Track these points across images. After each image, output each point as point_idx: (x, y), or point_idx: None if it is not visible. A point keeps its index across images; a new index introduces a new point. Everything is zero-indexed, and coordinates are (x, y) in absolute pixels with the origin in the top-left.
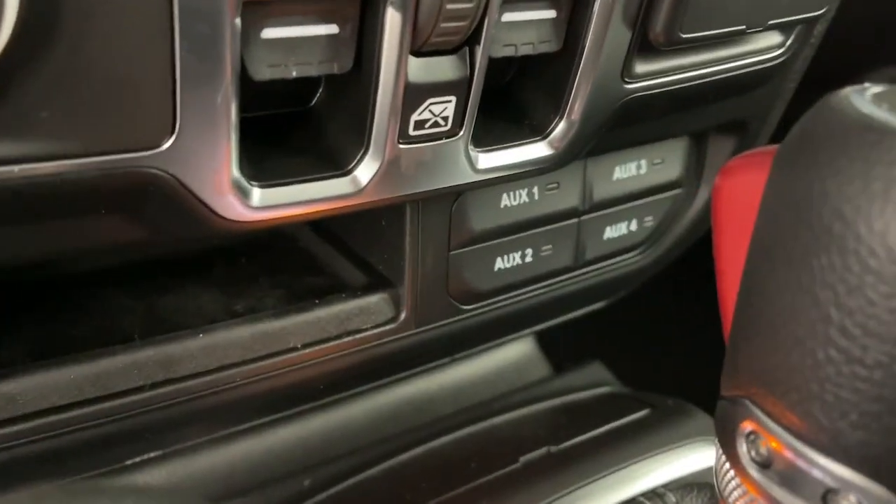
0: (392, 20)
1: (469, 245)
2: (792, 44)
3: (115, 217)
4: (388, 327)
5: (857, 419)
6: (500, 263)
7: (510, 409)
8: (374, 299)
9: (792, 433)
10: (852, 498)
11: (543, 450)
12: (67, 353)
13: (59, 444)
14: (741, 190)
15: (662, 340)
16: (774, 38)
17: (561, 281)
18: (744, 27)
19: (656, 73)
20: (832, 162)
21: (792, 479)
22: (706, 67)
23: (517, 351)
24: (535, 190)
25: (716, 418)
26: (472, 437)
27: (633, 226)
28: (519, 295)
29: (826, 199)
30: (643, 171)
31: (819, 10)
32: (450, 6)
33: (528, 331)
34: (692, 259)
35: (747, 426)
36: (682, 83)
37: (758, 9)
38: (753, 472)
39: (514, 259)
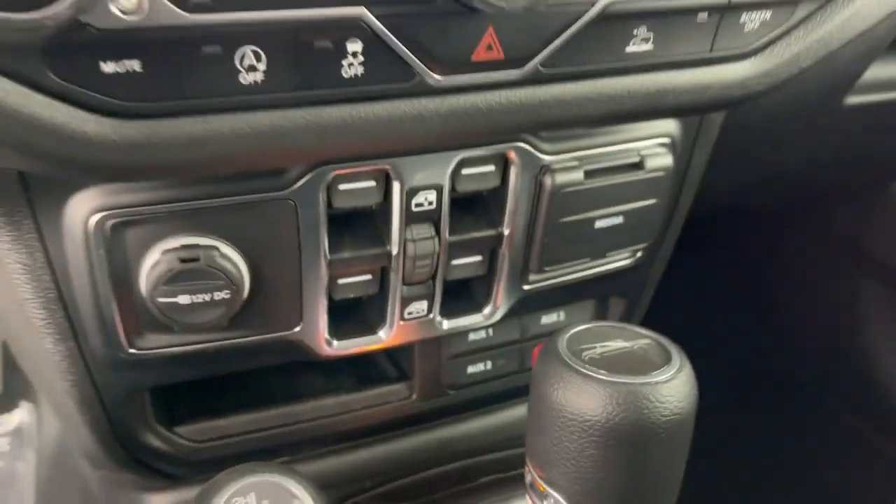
0: (395, 276)
1: (452, 359)
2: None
3: (270, 356)
4: (406, 401)
5: None
6: (471, 369)
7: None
8: (399, 386)
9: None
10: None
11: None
12: (253, 407)
13: (245, 449)
14: None
15: None
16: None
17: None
18: (588, 259)
19: (542, 280)
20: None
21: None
22: (578, 273)
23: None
24: (490, 331)
25: None
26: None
27: None
28: (482, 384)
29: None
30: (562, 317)
31: (643, 244)
32: (419, 264)
33: (496, 404)
34: None
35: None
36: (562, 282)
37: (598, 249)
38: None
39: (479, 367)
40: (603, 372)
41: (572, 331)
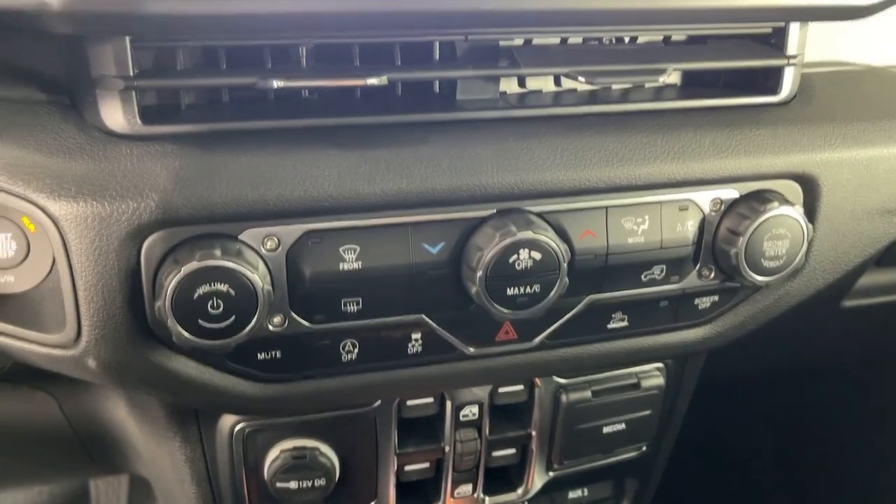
0: (447, 465)
1: None
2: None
3: None
4: None
5: None
6: None
7: None
8: None
9: None
10: None
11: None
12: None
13: None
14: None
15: None
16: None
17: None
18: (599, 454)
19: (564, 468)
20: None
21: None
22: (594, 463)
23: None
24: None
25: None
26: None
27: None
28: None
29: None
30: (585, 493)
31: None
32: (465, 458)
33: None
34: None
35: None
36: (581, 469)
37: (607, 447)
38: None
39: None
40: None
41: None
